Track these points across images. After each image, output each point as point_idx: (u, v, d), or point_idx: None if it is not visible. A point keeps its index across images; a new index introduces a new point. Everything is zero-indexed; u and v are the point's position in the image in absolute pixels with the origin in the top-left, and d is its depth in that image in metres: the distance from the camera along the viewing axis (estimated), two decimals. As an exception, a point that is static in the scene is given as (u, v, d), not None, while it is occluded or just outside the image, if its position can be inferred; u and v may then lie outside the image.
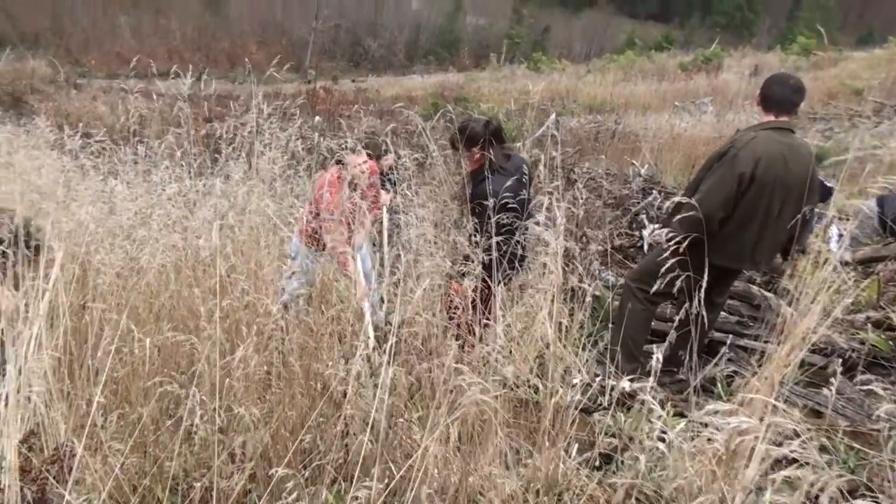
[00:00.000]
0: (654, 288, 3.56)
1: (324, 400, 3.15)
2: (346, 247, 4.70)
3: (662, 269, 3.45)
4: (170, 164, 4.51)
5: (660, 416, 2.74)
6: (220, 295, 3.12)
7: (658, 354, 2.83)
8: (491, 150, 4.37)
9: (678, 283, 3.35)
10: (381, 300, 5.30)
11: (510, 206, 4.08)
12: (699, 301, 3.34)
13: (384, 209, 6.45)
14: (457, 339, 3.67)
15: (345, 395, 3.10)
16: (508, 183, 4.20)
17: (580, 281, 3.48)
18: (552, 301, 3.38)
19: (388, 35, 44.85)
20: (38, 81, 23.81)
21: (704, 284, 3.34)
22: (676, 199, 3.89)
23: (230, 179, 4.48)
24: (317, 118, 5.00)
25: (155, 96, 6.28)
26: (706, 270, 3.36)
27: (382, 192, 5.92)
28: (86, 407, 3.07)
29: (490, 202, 3.95)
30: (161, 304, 3.54)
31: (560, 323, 3.53)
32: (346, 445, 3.12)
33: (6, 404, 3.14)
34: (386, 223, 6.41)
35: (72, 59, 30.90)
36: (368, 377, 3.16)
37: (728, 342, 4.91)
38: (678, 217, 4.18)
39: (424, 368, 3.21)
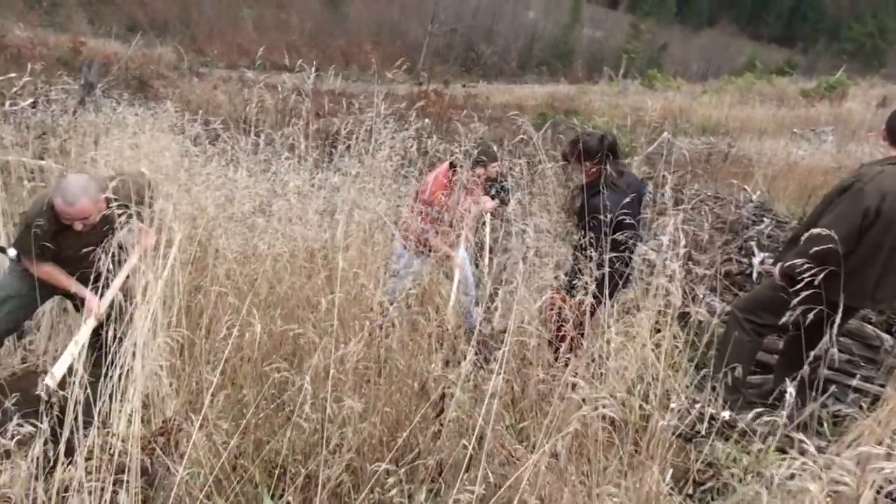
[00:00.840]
0: (783, 320, 3.43)
1: (422, 400, 3.19)
2: (443, 240, 4.74)
3: (784, 302, 3.35)
4: (290, 156, 4.63)
5: (760, 450, 2.66)
6: (336, 287, 3.18)
7: (791, 389, 2.74)
8: (606, 165, 4.35)
9: (793, 316, 3.25)
10: (477, 303, 5.31)
11: (626, 222, 4.04)
12: (830, 338, 3.22)
13: (487, 215, 6.47)
14: (556, 352, 3.65)
15: (443, 396, 3.13)
16: (624, 199, 4.16)
17: (684, 304, 3.42)
18: (667, 324, 3.32)
19: (503, 42, 44.93)
20: (164, 67, 24.75)
21: (838, 320, 3.24)
22: (796, 230, 3.77)
23: (345, 175, 4.56)
24: (426, 120, 5.05)
25: (271, 88, 6.44)
26: (840, 305, 3.26)
27: (486, 198, 5.94)
28: (195, 385, 3.18)
29: (603, 217, 3.92)
30: (276, 292, 3.63)
31: (660, 345, 3.47)
32: (441, 447, 3.14)
33: (123, 376, 3.30)
34: (489, 229, 6.42)
35: (196, 47, 32.01)
36: (468, 381, 3.17)
37: (837, 381, 4.73)
38: (813, 249, 3.97)
39: (538, 379, 3.21)
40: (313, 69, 4.94)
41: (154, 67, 23.22)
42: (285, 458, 3.12)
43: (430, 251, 4.96)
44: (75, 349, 3.50)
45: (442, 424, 3.12)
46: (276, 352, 3.46)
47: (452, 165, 5.42)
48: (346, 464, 2.99)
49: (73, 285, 3.98)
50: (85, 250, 3.79)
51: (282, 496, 3.18)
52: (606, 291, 3.65)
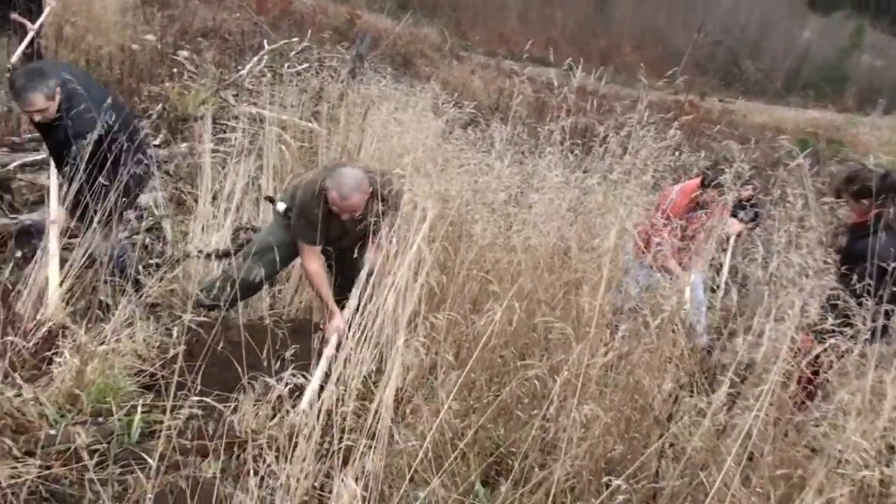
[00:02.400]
0: None
1: (646, 417, 3.13)
2: (672, 257, 4.58)
3: None
4: (552, 151, 4.65)
5: None
6: (589, 289, 3.18)
7: None
8: (888, 207, 4.01)
9: None
10: (708, 328, 5.11)
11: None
12: None
13: (731, 238, 6.21)
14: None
15: (670, 418, 3.05)
16: None
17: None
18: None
19: (769, 60, 42.75)
20: (427, 47, 25.67)
21: None
22: None
23: (603, 178, 4.52)
24: (677, 131, 4.88)
25: (528, 80, 6.48)
26: None
27: (733, 220, 5.70)
28: (429, 359, 3.29)
29: (870, 263, 3.62)
30: (522, 284, 3.67)
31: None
32: (657, 471, 3.07)
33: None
34: (730, 253, 6.17)
35: (460, 31, 32.87)
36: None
37: None
38: None
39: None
40: (579, 67, 4.91)
41: (419, 47, 24.14)
42: (506, 449, 3.17)
43: (661, 267, 4.82)
44: (324, 364, 3.75)
45: (664, 448, 3.04)
46: (515, 342, 3.51)
47: (703, 182, 5.23)
48: (573, 468, 2.98)
49: (327, 297, 4.26)
50: (342, 243, 4.14)
51: (493, 487, 3.24)
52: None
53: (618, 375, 3.35)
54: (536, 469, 3.01)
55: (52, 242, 4.32)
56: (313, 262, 4.34)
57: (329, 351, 3.88)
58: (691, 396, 3.46)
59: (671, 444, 3.17)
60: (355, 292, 4.25)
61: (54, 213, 4.45)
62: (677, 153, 4.80)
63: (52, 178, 4.67)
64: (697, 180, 5.29)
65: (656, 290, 4.69)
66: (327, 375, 3.62)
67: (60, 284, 4.14)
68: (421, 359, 3.28)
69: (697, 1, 40.36)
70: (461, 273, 3.85)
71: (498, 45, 32.80)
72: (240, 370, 3.38)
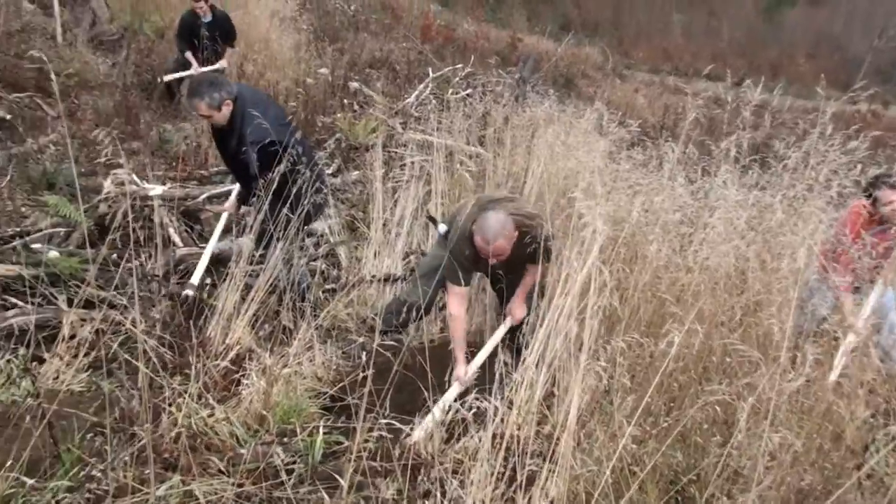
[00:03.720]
0: None
1: (837, 446, 2.95)
2: (846, 282, 4.31)
3: None
4: (730, 169, 4.51)
5: None
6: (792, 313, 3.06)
7: None
8: None
9: None
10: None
11: None
12: None
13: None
14: None
15: (866, 448, 2.87)
16: None
17: None
18: None
19: (959, 64, 39.72)
20: (589, 67, 25.51)
21: None
22: None
23: (784, 194, 4.34)
24: (860, 143, 4.59)
25: (693, 95, 6.30)
26: None
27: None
28: (603, 382, 3.24)
29: None
30: (701, 307, 3.56)
31: None
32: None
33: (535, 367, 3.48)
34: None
35: (622, 49, 32.50)
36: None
37: None
38: None
39: None
40: (750, 80, 4.74)
41: (581, 66, 24.03)
42: (687, 478, 3.07)
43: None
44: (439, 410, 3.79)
45: (861, 481, 2.86)
46: (695, 366, 3.41)
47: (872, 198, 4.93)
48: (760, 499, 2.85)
49: (458, 345, 4.27)
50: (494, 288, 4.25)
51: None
52: None
53: (807, 401, 3.18)
54: (724, 499, 2.89)
55: (218, 230, 4.98)
56: (455, 305, 4.36)
57: (448, 397, 3.90)
58: (887, 424, 3.25)
59: (868, 476, 2.98)
60: (487, 349, 4.29)
61: (230, 205, 5.06)
62: (859, 166, 4.55)
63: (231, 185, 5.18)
64: (861, 202, 4.99)
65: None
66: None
67: (243, 311, 4.38)
68: (598, 383, 3.23)
69: (877, 4, 38.04)
70: (636, 294, 3.77)
71: (662, 62, 32.21)
72: (425, 392, 3.47)
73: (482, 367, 4.12)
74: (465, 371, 4.09)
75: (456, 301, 4.36)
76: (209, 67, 8.80)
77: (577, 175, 5.45)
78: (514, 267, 4.39)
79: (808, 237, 3.89)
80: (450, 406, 3.74)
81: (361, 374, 3.63)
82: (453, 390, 4.00)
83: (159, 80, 9.05)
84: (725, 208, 4.04)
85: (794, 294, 3.21)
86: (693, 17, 38.12)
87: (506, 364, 3.48)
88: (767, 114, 4.90)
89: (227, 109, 4.53)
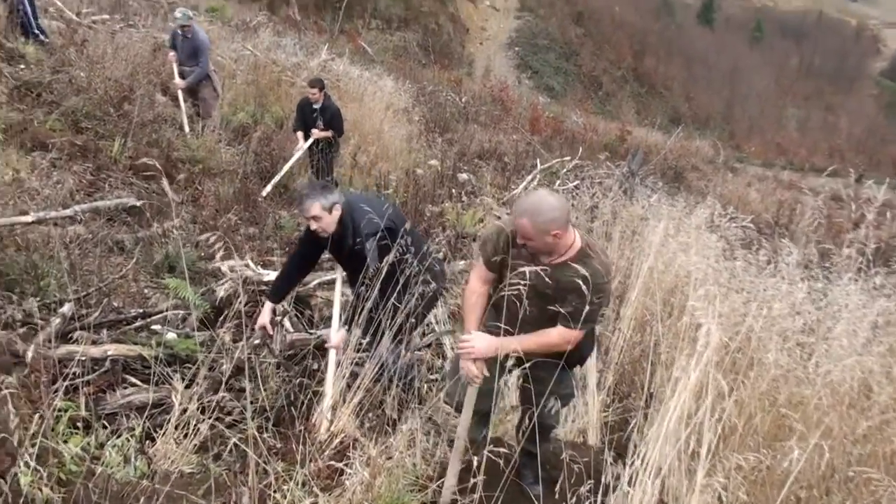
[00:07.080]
0: None
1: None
2: None
3: None
4: (854, 277, 4.32)
5: None
6: None
7: None
8: None
9: None
10: None
11: None
12: None
13: None
14: None
15: None
16: None
17: None
18: None
19: None
20: (699, 160, 25.28)
21: None
22: None
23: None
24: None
25: (809, 191, 6.11)
26: None
27: None
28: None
29: None
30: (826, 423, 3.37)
31: None
32: None
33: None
34: None
35: (734, 143, 32.20)
36: None
37: None
38: None
39: None
40: (884, 182, 4.57)
41: (691, 160, 23.85)
42: None
43: None
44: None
45: None
46: (819, 485, 3.20)
47: None
48: None
49: (468, 318, 3.84)
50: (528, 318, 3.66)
51: None
52: None
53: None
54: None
55: (331, 365, 4.63)
56: (474, 280, 3.89)
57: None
58: None
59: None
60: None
61: (335, 337, 4.75)
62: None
63: (336, 301, 4.99)
64: None
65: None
66: None
67: (348, 400, 4.37)
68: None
69: None
70: (751, 404, 3.59)
71: (775, 156, 31.70)
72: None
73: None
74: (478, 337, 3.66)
75: (476, 275, 3.90)
76: (305, 143, 9.55)
77: (688, 273, 5.31)
78: (541, 297, 3.62)
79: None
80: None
81: (472, 481, 3.48)
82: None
83: (262, 194, 9.29)
84: (849, 319, 3.84)
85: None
86: (809, 111, 37.51)
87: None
88: (890, 213, 4.71)
89: (336, 213, 4.59)
